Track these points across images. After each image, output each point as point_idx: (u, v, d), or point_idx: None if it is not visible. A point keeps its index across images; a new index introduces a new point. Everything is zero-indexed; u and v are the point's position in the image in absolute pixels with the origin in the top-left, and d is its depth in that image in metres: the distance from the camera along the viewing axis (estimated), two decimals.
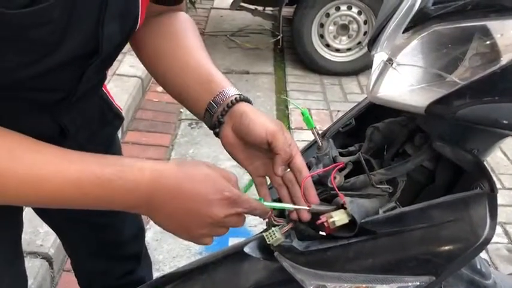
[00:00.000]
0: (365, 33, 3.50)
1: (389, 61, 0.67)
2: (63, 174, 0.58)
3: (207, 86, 0.75)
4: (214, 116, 0.74)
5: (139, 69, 3.04)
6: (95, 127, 0.90)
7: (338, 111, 3.13)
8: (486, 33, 0.60)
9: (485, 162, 0.69)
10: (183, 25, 0.84)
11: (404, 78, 0.66)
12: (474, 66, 0.62)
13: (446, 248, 0.63)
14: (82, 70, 0.66)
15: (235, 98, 0.73)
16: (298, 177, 0.70)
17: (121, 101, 2.67)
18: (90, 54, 0.64)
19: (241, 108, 0.72)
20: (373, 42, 0.73)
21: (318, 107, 3.19)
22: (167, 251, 1.94)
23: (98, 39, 0.62)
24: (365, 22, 3.48)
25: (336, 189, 0.69)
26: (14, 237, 0.90)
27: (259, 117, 0.71)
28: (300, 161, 0.71)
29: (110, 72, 2.96)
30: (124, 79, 2.94)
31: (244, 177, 2.30)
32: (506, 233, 2.18)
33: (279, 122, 0.71)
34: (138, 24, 0.70)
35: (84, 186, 0.58)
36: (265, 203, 0.70)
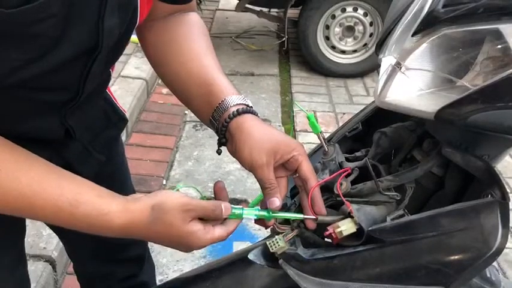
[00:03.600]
0: (371, 34, 3.49)
1: (398, 65, 0.65)
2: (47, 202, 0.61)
3: (206, 99, 0.75)
4: (218, 133, 0.73)
5: (144, 71, 3.04)
6: (98, 129, 0.89)
7: (343, 113, 3.11)
8: (498, 37, 0.58)
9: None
10: (191, 29, 0.82)
11: (413, 82, 0.64)
12: (485, 70, 0.60)
13: (457, 257, 0.61)
14: (87, 67, 0.66)
15: (229, 116, 0.71)
16: (305, 186, 0.69)
17: (125, 103, 2.67)
18: (93, 50, 0.64)
19: (234, 128, 0.70)
20: (380, 46, 0.72)
21: (323, 109, 3.18)
22: (171, 255, 1.93)
23: (98, 34, 0.62)
24: (371, 24, 3.46)
25: (342, 197, 0.68)
26: (18, 242, 0.89)
27: (248, 143, 0.68)
28: (307, 169, 0.69)
29: (114, 73, 2.95)
30: (129, 81, 2.93)
31: (249, 181, 2.28)
32: None
33: (271, 150, 0.68)
34: (138, 17, 0.69)
35: (62, 217, 0.62)
36: (272, 213, 0.68)
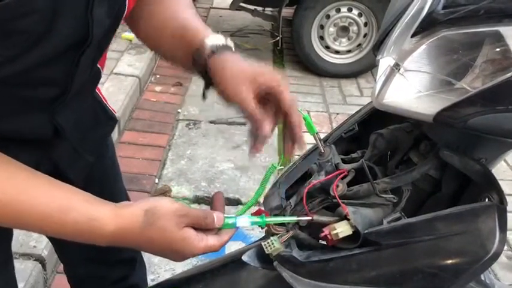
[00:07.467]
0: (365, 35, 3.49)
1: (396, 66, 0.65)
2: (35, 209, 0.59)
3: (187, 46, 0.75)
4: (203, 77, 0.74)
5: (137, 69, 3.02)
6: (87, 128, 0.88)
7: (337, 113, 3.11)
8: (498, 39, 0.58)
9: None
10: (178, 2, 0.83)
11: (411, 84, 0.64)
12: (485, 73, 0.60)
13: (454, 261, 0.60)
14: (75, 61, 0.65)
15: (208, 55, 0.72)
16: (288, 119, 0.71)
17: (118, 101, 2.65)
18: (82, 42, 0.62)
19: (216, 66, 0.71)
20: (378, 46, 0.71)
21: (317, 109, 3.17)
22: None
23: (87, 25, 0.60)
24: (365, 24, 3.46)
25: (339, 199, 0.67)
26: (4, 243, 0.87)
27: (230, 77, 0.69)
28: (287, 97, 0.71)
29: (107, 71, 2.93)
30: (121, 78, 2.91)
31: (242, 180, 2.27)
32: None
33: (251, 76, 0.69)
34: (127, 7, 0.69)
35: (51, 225, 0.61)
36: (266, 219, 0.68)
